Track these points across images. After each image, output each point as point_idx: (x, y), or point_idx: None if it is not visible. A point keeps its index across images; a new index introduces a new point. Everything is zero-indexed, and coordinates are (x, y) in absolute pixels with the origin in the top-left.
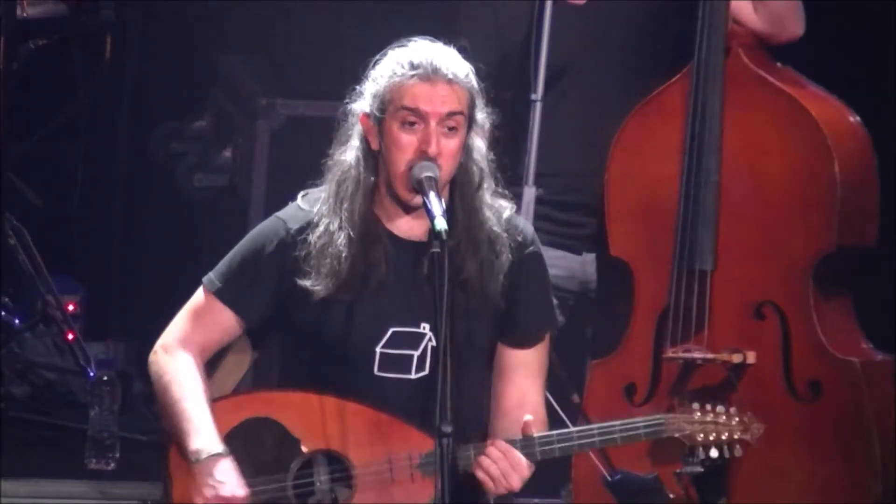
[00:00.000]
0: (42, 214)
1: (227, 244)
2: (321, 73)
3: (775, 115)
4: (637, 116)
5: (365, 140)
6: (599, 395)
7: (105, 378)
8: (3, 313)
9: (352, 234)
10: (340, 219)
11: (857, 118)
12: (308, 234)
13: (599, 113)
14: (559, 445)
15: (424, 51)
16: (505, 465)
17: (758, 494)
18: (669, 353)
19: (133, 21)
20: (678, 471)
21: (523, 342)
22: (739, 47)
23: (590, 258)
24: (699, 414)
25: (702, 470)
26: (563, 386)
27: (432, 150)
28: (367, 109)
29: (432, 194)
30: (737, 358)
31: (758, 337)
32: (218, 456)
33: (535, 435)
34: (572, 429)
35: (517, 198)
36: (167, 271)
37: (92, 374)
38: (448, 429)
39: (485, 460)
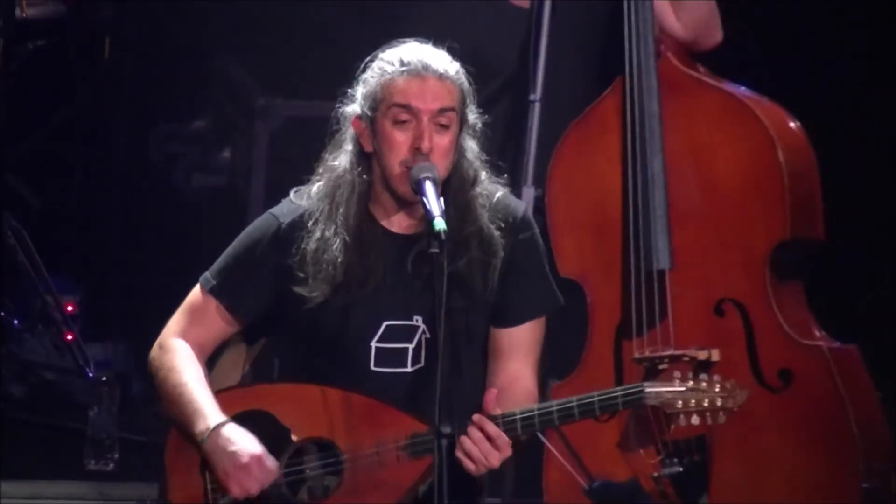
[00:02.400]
0: (41, 215)
1: (226, 244)
2: (320, 74)
3: (715, 112)
4: (573, 133)
5: (358, 143)
6: None
7: (104, 378)
8: (2, 314)
9: (347, 239)
10: (336, 224)
11: (788, 112)
12: (301, 233)
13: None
14: (539, 420)
15: (414, 49)
16: (486, 447)
17: (740, 490)
18: (636, 355)
19: (131, 21)
20: (657, 474)
21: (518, 321)
22: (668, 51)
23: None
24: (679, 381)
25: (681, 470)
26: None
27: (425, 145)
28: (359, 111)
29: (432, 194)
30: (702, 355)
31: (721, 334)
32: (219, 426)
33: (517, 410)
34: (552, 402)
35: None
36: (166, 272)
37: (91, 374)
38: (447, 429)
39: (466, 441)
